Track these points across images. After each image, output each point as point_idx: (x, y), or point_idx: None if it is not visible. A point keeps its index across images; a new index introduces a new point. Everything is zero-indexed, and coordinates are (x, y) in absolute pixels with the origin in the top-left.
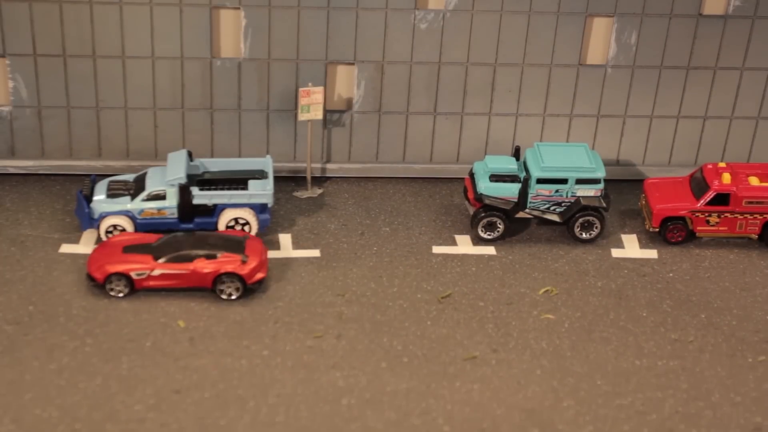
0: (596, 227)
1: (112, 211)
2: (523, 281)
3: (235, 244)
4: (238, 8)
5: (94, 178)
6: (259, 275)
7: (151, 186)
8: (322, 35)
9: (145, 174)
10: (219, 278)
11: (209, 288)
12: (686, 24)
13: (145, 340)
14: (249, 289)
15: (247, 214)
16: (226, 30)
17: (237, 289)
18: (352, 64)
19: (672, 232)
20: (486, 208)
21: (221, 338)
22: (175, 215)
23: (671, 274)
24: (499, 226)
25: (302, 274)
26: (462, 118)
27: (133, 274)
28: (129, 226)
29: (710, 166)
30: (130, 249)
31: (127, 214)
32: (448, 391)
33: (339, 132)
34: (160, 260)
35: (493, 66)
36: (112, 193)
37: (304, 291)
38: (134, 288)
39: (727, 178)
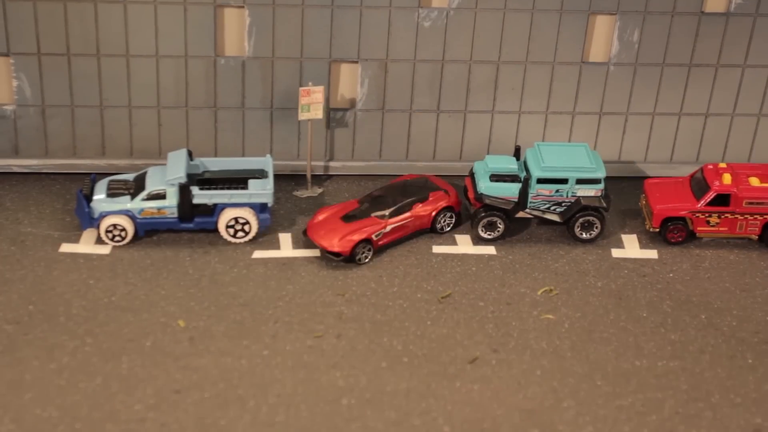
0: (596, 227)
1: (112, 210)
2: (523, 281)
3: (426, 183)
4: (243, 7)
5: (94, 178)
6: (460, 203)
7: (151, 185)
8: (325, 33)
9: (145, 173)
10: (438, 215)
11: (427, 228)
12: (688, 21)
13: (145, 339)
14: (458, 215)
15: (247, 214)
16: (230, 28)
17: (451, 217)
18: (356, 62)
19: (672, 232)
20: (486, 207)
21: (221, 338)
22: (175, 215)
23: (671, 275)
24: (499, 226)
25: (302, 274)
26: (465, 116)
27: (373, 236)
28: (129, 226)
29: (711, 167)
30: (348, 218)
31: (127, 213)
32: (448, 391)
33: (342, 130)
34: (386, 217)
35: (496, 64)
36: (112, 193)
37: (304, 291)
38: (373, 249)
39: (727, 178)
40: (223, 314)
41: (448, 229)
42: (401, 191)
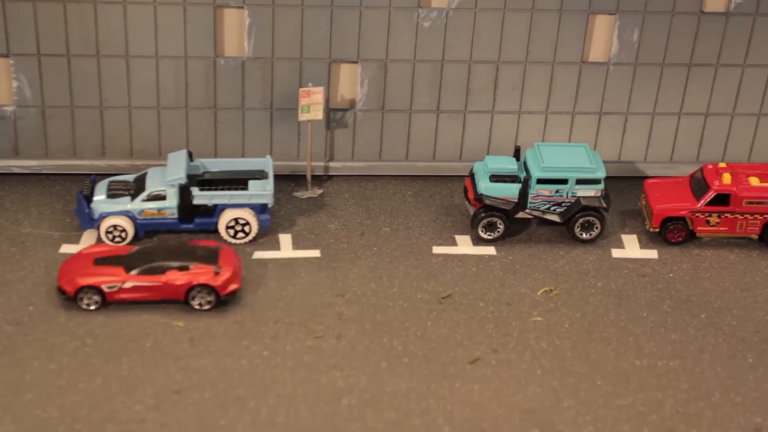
0: (596, 227)
1: (112, 211)
2: (523, 281)
3: (208, 254)
4: (242, 7)
5: (94, 178)
6: (233, 286)
7: (152, 186)
8: (325, 34)
9: (145, 174)
10: (192, 290)
11: (182, 300)
12: (688, 21)
13: (146, 340)
14: (222, 300)
15: (248, 215)
16: (229, 29)
17: (209, 302)
18: (356, 62)
19: (672, 232)
20: (486, 208)
21: (221, 338)
22: (176, 215)
23: (671, 275)
24: (499, 226)
25: (302, 274)
26: (465, 116)
27: (104, 287)
28: (129, 227)
29: (710, 167)
30: (102, 261)
31: (127, 214)
32: (449, 391)
33: (342, 130)
34: (132, 272)
35: (496, 64)
36: (112, 194)
37: (304, 291)
38: (106, 301)
39: (727, 178)
40: (223, 315)
41: (206, 308)
42: (170, 253)
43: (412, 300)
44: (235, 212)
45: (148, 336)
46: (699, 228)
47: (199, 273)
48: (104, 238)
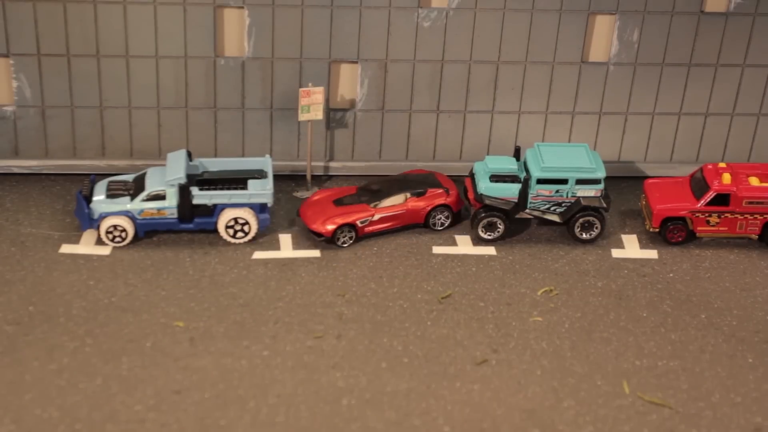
0: (596, 227)
1: (112, 211)
2: (523, 281)
3: (431, 179)
4: (242, 7)
5: (94, 179)
6: (461, 204)
7: (151, 186)
8: (325, 34)
9: (144, 174)
10: (432, 211)
11: (421, 223)
12: (688, 21)
13: (146, 340)
14: (456, 215)
15: (247, 214)
16: (229, 29)
17: (447, 217)
18: (356, 62)
19: (672, 232)
20: (486, 208)
21: (221, 338)
22: (175, 215)
23: (671, 275)
24: (499, 226)
25: (302, 274)
26: (465, 116)
27: (358, 222)
28: (129, 227)
29: (710, 167)
30: (340, 202)
31: (126, 214)
32: (449, 391)
33: (342, 130)
34: (378, 205)
35: (496, 64)
36: (112, 194)
37: (304, 291)
38: (357, 235)
39: (727, 178)
40: (224, 315)
41: (442, 227)
42: (400, 184)
43: (412, 300)
44: (235, 212)
45: (148, 336)
46: (699, 228)
47: (436, 195)
48: (104, 239)
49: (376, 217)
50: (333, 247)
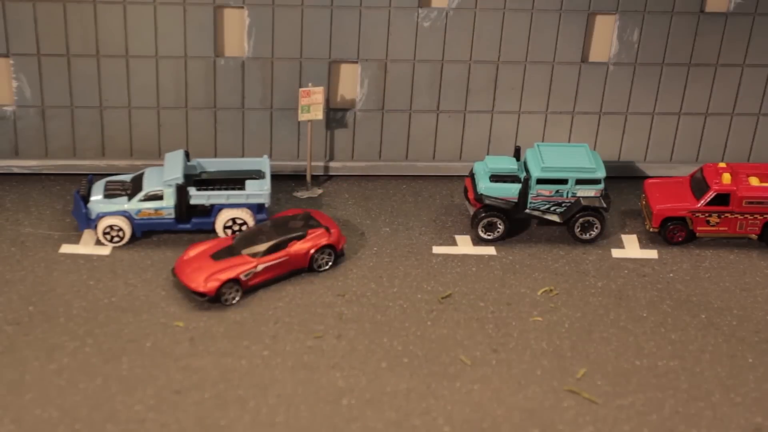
0: (596, 227)
1: (110, 211)
2: (523, 281)
3: (307, 219)
4: (242, 7)
5: (91, 178)
6: (343, 241)
7: (149, 186)
8: (325, 34)
9: (142, 174)
10: (315, 253)
11: (305, 267)
12: (688, 21)
13: (146, 340)
14: (339, 255)
15: (245, 214)
16: (229, 29)
17: (330, 255)
18: (356, 62)
19: (672, 232)
20: (486, 208)
21: (221, 338)
22: (173, 215)
23: (671, 275)
24: (499, 226)
25: (302, 275)
26: (465, 116)
27: (242, 276)
28: (126, 227)
29: (710, 166)
30: (218, 255)
31: (124, 214)
32: (449, 391)
33: (342, 130)
34: (258, 255)
35: (496, 64)
36: (109, 194)
37: (304, 291)
38: (242, 289)
39: (727, 178)
40: (223, 315)
41: (326, 268)
42: (278, 228)
43: (412, 300)
44: (233, 212)
45: (148, 336)
46: (699, 228)
47: (318, 236)
48: (101, 239)
49: (260, 267)
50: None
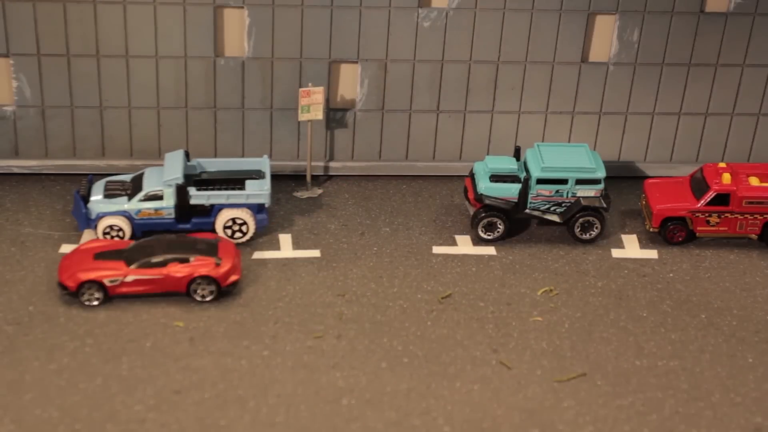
0: (596, 227)
1: (109, 211)
2: (523, 281)
3: (207, 247)
4: (242, 7)
5: (91, 178)
6: (233, 277)
7: (149, 186)
8: (325, 34)
9: (142, 174)
10: (193, 281)
11: (183, 292)
12: (688, 21)
13: (146, 340)
14: (224, 291)
15: (245, 215)
16: (229, 29)
17: (211, 292)
18: (356, 62)
19: (672, 232)
20: (486, 208)
21: (221, 338)
22: (173, 215)
23: (671, 275)
24: (499, 226)
25: (302, 274)
26: (465, 116)
27: (106, 281)
28: (126, 227)
29: (710, 166)
30: (102, 256)
31: (124, 214)
32: (449, 391)
33: (342, 130)
34: (133, 266)
35: (496, 64)
36: (109, 194)
37: (304, 291)
38: (108, 295)
39: (727, 178)
40: (223, 315)
41: (207, 299)
42: (173, 246)
43: (412, 300)
44: (233, 212)
45: (148, 336)
46: (699, 228)
47: (200, 265)
48: (102, 238)
49: (130, 278)
50: (333, 247)
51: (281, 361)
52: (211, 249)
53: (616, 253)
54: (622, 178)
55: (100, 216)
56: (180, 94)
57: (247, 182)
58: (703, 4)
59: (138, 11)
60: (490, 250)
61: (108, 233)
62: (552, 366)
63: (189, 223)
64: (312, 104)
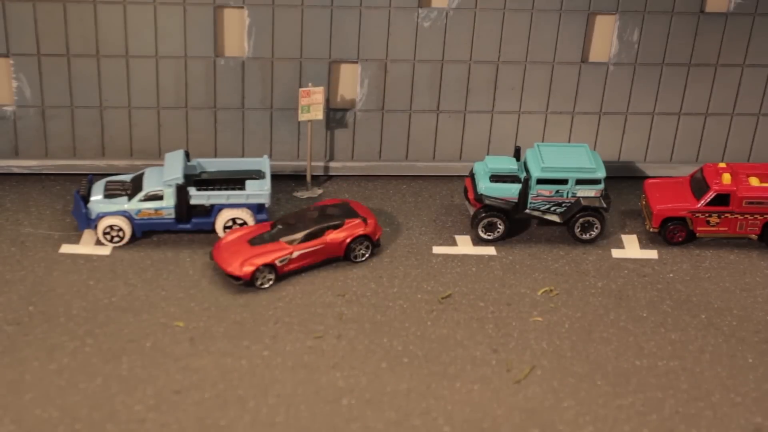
0: (596, 228)
1: (110, 211)
2: (523, 281)
3: (346, 209)
4: (242, 7)
5: (91, 178)
6: (379, 232)
7: (149, 186)
8: (325, 34)
9: (142, 174)
10: (350, 244)
11: (341, 256)
12: (688, 21)
13: (145, 340)
14: (376, 245)
15: (245, 215)
16: (229, 29)
17: (367, 247)
18: (356, 62)
19: (672, 232)
20: (486, 208)
21: (221, 338)
22: (173, 215)
23: (671, 275)
24: (499, 226)
25: (302, 274)
26: (465, 116)
27: (277, 262)
28: (126, 227)
29: (710, 167)
30: (256, 241)
31: (124, 214)
32: (449, 391)
33: (342, 130)
34: (295, 242)
35: (496, 64)
36: (109, 194)
37: (304, 291)
38: (278, 275)
39: (727, 178)
40: (223, 315)
41: (363, 259)
42: (316, 216)
43: (412, 300)
44: (233, 212)
45: (148, 336)
46: (699, 228)
47: (354, 226)
48: (101, 239)
49: (295, 254)
50: None
51: (281, 361)
52: (350, 210)
53: (616, 253)
54: (622, 178)
55: (100, 216)
56: (180, 94)
57: (247, 182)
58: (703, 4)
59: (138, 11)
60: (490, 250)
61: (108, 233)
62: (552, 366)
63: (189, 223)
64: (312, 104)
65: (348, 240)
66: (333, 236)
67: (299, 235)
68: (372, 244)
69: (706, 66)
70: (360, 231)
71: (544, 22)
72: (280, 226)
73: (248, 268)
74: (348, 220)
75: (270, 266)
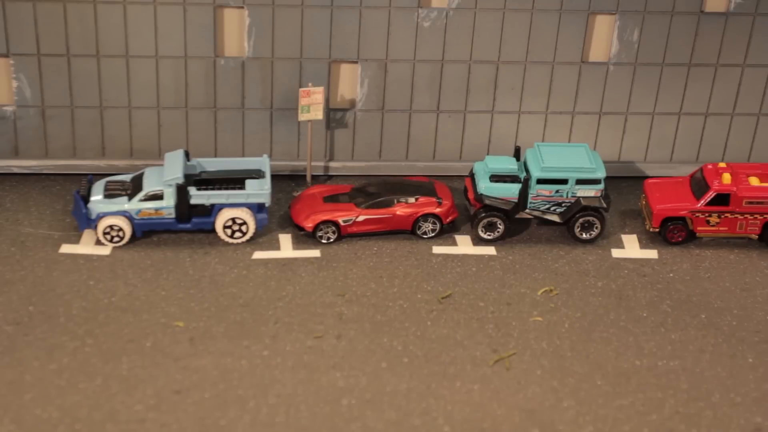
0: (596, 227)
1: (110, 211)
2: (523, 281)
3: (427, 187)
4: (242, 7)
5: (91, 178)
6: (452, 216)
7: (149, 186)
8: (325, 34)
9: (142, 174)
10: (418, 219)
11: (408, 230)
12: (688, 21)
13: (145, 340)
14: (444, 228)
15: (245, 214)
16: (229, 29)
17: (434, 230)
18: (356, 62)
19: (672, 232)
20: (486, 208)
21: (221, 338)
22: (173, 215)
23: (671, 275)
24: (499, 226)
25: (302, 274)
26: (465, 116)
27: (341, 221)
28: (126, 227)
29: (710, 167)
30: (331, 199)
31: (124, 214)
32: (449, 391)
33: (342, 130)
34: (363, 206)
35: (496, 64)
36: (110, 194)
37: (304, 291)
38: (341, 234)
39: (727, 178)
40: (224, 315)
41: (429, 236)
42: (395, 188)
43: (412, 300)
44: (233, 212)
45: (148, 336)
46: (699, 228)
47: (425, 203)
48: (101, 239)
49: (361, 218)
50: (333, 247)
51: (281, 361)
52: (431, 189)
53: (616, 253)
54: (622, 178)
55: (100, 216)
56: (180, 94)
57: (247, 182)
58: (703, 4)
59: (138, 11)
60: (490, 250)
61: (108, 233)
62: (552, 366)
63: (189, 222)
64: (312, 104)
65: (416, 216)
66: (403, 209)
67: (369, 202)
68: (441, 225)
69: (706, 66)
70: (429, 209)
71: (544, 22)
72: (359, 190)
73: (311, 222)
74: (423, 198)
75: (334, 224)
